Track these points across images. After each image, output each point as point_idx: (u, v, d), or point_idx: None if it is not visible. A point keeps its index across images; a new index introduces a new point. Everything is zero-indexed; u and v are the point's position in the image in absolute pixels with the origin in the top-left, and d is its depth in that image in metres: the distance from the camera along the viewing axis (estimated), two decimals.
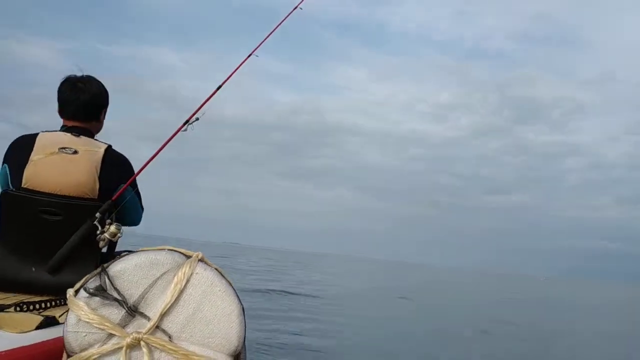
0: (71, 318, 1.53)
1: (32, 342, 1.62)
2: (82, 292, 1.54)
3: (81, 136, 2.36)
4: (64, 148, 2.26)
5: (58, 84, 2.46)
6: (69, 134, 2.34)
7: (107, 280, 1.55)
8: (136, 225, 2.54)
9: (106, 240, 2.12)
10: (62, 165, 2.23)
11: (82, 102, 2.42)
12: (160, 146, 2.40)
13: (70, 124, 2.42)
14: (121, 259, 1.59)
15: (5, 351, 1.51)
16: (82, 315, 1.51)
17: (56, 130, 2.38)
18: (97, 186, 2.27)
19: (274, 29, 2.95)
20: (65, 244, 2.18)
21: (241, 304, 1.66)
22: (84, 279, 1.58)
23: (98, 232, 2.13)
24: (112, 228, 2.12)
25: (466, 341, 9.31)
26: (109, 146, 2.39)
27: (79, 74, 2.49)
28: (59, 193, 2.21)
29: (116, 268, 1.57)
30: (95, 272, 1.57)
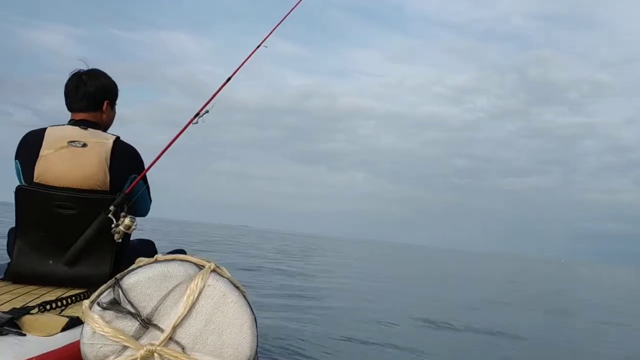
0: (87, 331, 1.55)
1: (60, 345, 1.64)
2: (96, 306, 1.56)
3: (89, 129, 2.37)
4: (73, 142, 2.28)
5: (71, 69, 2.50)
6: (77, 127, 2.36)
7: (120, 294, 1.57)
8: (144, 216, 2.59)
9: (121, 232, 2.18)
10: (72, 159, 2.26)
11: (85, 94, 2.44)
12: (171, 139, 2.44)
13: (77, 117, 2.45)
14: (134, 271, 1.61)
15: (37, 356, 1.52)
16: (97, 328, 1.54)
17: (64, 124, 2.40)
18: (108, 178, 2.30)
19: (282, 19, 2.95)
20: (81, 237, 2.23)
21: (253, 315, 1.67)
22: (98, 290, 1.61)
23: (113, 225, 2.18)
24: (127, 220, 2.17)
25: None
26: (117, 137, 2.41)
27: (85, 68, 2.51)
28: (70, 186, 2.25)
29: (129, 281, 1.59)
30: (109, 284, 1.59)
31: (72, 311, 1.88)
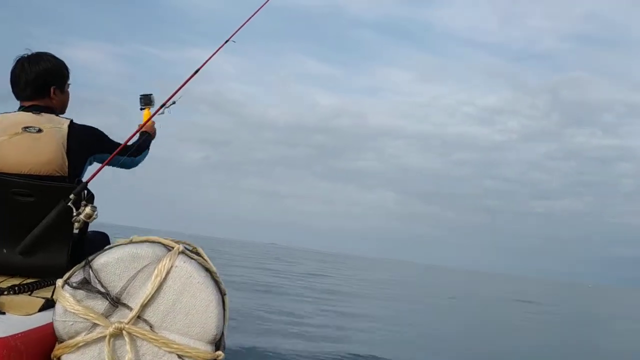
0: (59, 308, 1.63)
1: (41, 324, 1.71)
2: (67, 285, 1.64)
3: (43, 114, 2.32)
4: (28, 127, 2.23)
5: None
6: (29, 113, 2.31)
7: (90, 273, 1.65)
8: (140, 162, 2.62)
9: (81, 222, 2.10)
10: (28, 145, 2.20)
11: (27, 83, 2.37)
12: (139, 127, 2.49)
13: (27, 103, 2.38)
14: (104, 252, 1.69)
15: (21, 333, 1.59)
16: (68, 306, 1.62)
17: (15, 111, 2.35)
18: (66, 163, 2.25)
19: (251, 16, 3.01)
20: (38, 226, 2.16)
21: (220, 294, 1.73)
22: (70, 271, 1.69)
23: (74, 213, 2.10)
24: (87, 209, 2.10)
25: None
26: (72, 121, 2.36)
27: (28, 53, 2.43)
28: (28, 173, 2.19)
29: (100, 261, 1.67)
30: (80, 265, 1.67)
31: (40, 295, 1.94)
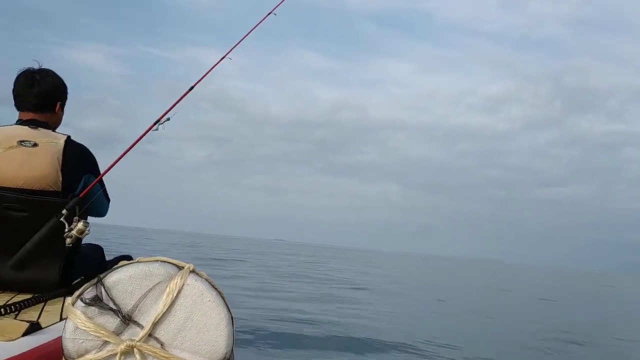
0: (69, 325, 1.62)
1: (24, 350, 1.66)
2: (79, 302, 1.64)
3: (39, 128, 2.32)
4: (23, 141, 2.22)
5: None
6: (26, 127, 2.31)
7: (103, 291, 1.65)
8: (102, 217, 2.55)
9: (73, 237, 2.09)
10: (23, 159, 2.20)
11: (39, 93, 2.39)
12: (130, 145, 2.41)
13: (26, 117, 2.39)
14: (116, 270, 1.68)
15: None
16: (79, 323, 1.61)
17: (12, 124, 2.35)
18: (60, 179, 2.24)
19: (248, 33, 2.99)
20: (30, 240, 2.15)
21: (230, 314, 1.73)
22: (82, 288, 1.68)
23: (66, 229, 2.10)
24: (80, 225, 2.09)
25: None
26: (69, 137, 2.36)
27: (35, 66, 2.46)
28: (21, 187, 2.18)
29: (112, 279, 1.66)
30: (92, 282, 1.67)
31: (27, 316, 1.90)
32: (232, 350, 1.71)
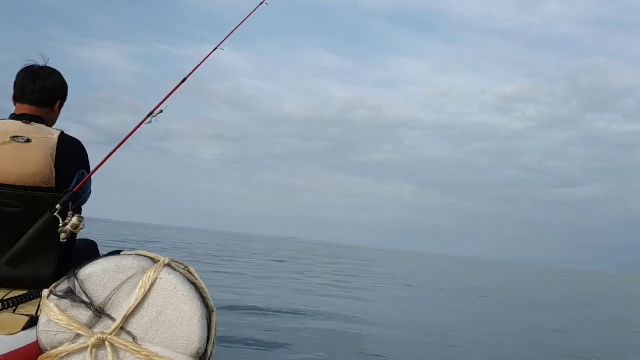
0: (43, 318, 1.64)
1: (25, 344, 1.69)
2: (53, 295, 1.65)
3: (32, 123, 2.30)
4: (17, 137, 2.20)
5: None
6: (19, 122, 2.28)
7: (75, 283, 1.65)
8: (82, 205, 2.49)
9: (68, 232, 2.09)
10: (15, 155, 2.17)
11: (42, 88, 2.39)
12: (122, 139, 2.42)
13: (21, 111, 2.37)
14: (91, 263, 1.69)
15: (3, 355, 1.57)
16: (52, 316, 1.62)
17: (5, 119, 2.34)
18: (54, 175, 2.22)
19: (239, 25, 2.99)
20: (24, 236, 2.14)
21: (206, 308, 1.72)
22: (58, 281, 1.69)
23: (60, 224, 2.10)
24: (74, 220, 2.09)
25: None
26: (62, 132, 2.34)
27: (41, 63, 2.47)
28: (14, 184, 2.16)
29: (85, 272, 1.67)
30: (66, 275, 1.68)
31: (25, 310, 1.91)
32: (206, 344, 1.70)
